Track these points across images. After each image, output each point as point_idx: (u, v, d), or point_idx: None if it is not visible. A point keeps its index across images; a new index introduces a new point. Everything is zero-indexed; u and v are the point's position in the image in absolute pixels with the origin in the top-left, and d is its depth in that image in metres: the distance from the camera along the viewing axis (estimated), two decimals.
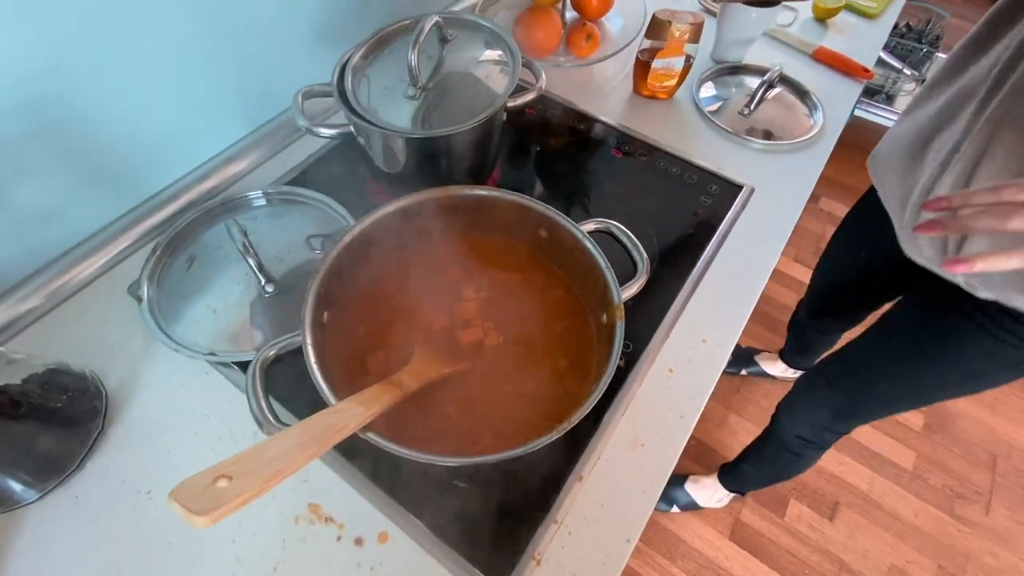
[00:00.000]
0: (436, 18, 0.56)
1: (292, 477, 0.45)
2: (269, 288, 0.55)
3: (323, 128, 0.55)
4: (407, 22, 0.61)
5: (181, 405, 0.50)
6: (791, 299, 1.07)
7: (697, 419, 0.52)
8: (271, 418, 0.35)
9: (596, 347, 0.44)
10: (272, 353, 0.37)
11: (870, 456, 1.42)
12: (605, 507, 0.46)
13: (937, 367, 0.66)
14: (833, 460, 1.41)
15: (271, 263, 0.56)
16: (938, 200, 0.41)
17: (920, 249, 0.58)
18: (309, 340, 0.37)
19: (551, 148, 0.74)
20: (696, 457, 1.39)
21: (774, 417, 1.00)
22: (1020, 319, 0.54)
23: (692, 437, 1.45)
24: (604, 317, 0.42)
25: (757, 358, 1.45)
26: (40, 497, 0.44)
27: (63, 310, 0.55)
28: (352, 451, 0.48)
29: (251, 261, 0.53)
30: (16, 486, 0.42)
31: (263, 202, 0.62)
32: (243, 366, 0.52)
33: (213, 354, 0.52)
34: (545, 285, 0.49)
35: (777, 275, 1.67)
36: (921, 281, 0.63)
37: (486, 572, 0.43)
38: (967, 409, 1.51)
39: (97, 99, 0.51)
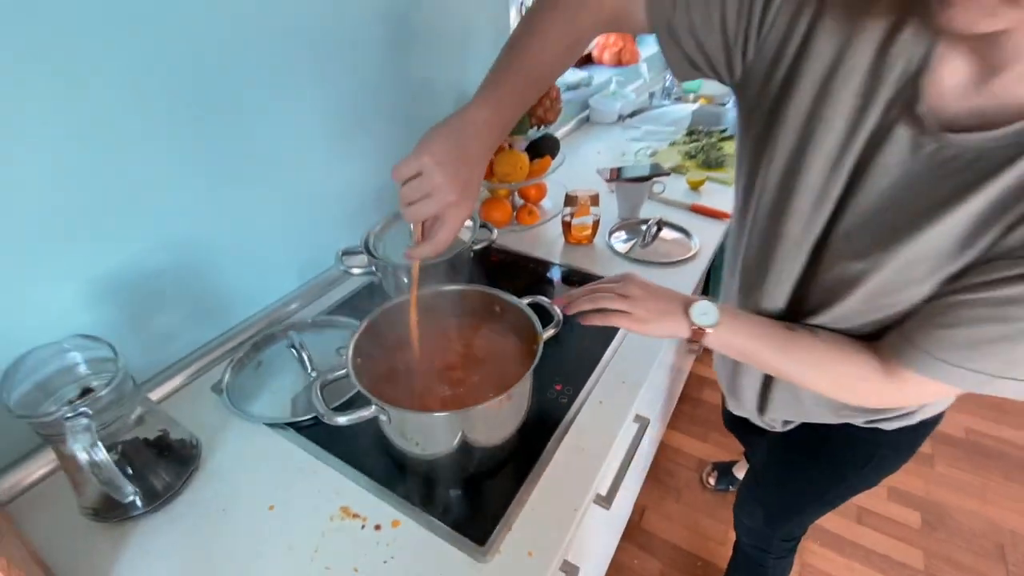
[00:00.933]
0: None
1: (329, 490, 0.62)
2: (313, 374, 0.79)
3: (355, 268, 0.86)
4: None
5: (247, 456, 0.69)
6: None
7: (622, 429, 0.71)
8: (329, 411, 0.56)
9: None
10: (329, 376, 0.60)
11: (878, 559, 1.42)
12: (559, 489, 0.63)
13: (808, 478, 0.80)
14: (842, 567, 1.40)
15: (314, 361, 0.81)
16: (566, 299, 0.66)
17: (740, 404, 0.78)
18: (351, 358, 0.60)
19: (514, 282, 1.05)
20: None
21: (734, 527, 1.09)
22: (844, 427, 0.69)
23: (698, 558, 1.46)
24: (534, 347, 0.66)
25: (734, 470, 1.54)
26: (147, 511, 0.60)
27: (169, 400, 0.77)
28: (374, 466, 0.66)
29: (305, 355, 0.78)
30: (137, 499, 0.59)
31: (311, 326, 0.89)
32: (293, 426, 0.72)
33: (271, 420, 0.73)
34: (505, 339, 0.73)
35: (710, 382, 1.93)
36: None
37: (472, 539, 0.58)
38: (957, 501, 1.54)
39: (211, 265, 0.82)
